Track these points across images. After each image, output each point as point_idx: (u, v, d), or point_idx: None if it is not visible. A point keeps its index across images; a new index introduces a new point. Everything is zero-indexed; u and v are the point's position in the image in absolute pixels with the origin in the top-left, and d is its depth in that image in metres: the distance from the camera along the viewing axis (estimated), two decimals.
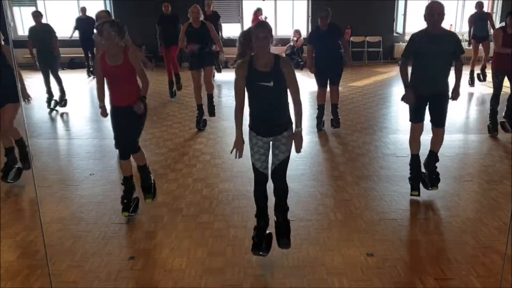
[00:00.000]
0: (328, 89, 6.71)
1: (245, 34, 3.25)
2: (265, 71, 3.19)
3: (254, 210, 3.57)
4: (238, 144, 3.41)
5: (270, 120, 3.31)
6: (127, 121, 4.14)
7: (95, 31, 12.94)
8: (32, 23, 8.27)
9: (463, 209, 4.38)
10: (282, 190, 3.45)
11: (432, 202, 4.51)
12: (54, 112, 8.38)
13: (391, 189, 4.80)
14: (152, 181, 4.52)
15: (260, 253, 3.51)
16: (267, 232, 3.63)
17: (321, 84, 6.68)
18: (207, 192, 4.84)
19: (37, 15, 8.19)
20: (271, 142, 3.39)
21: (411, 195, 4.55)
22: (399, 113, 7.84)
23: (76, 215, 4.35)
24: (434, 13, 4.10)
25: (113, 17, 12.60)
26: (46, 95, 8.33)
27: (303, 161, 5.51)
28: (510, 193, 4.65)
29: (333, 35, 6.49)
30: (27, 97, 5.04)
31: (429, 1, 4.22)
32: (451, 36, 4.31)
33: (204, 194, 4.77)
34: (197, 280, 3.33)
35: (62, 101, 8.44)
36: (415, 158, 4.60)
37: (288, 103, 3.34)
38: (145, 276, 3.41)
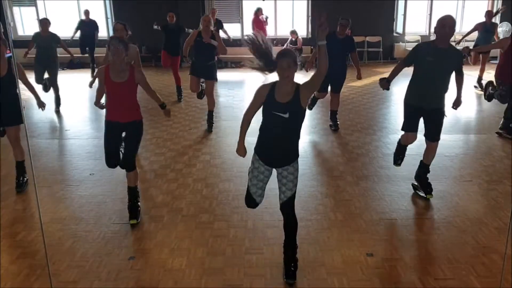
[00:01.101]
0: (329, 94, 6.87)
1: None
2: (282, 102, 3.07)
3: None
4: (240, 151, 3.36)
5: (277, 150, 3.21)
6: (125, 138, 4.12)
7: (96, 33, 12.85)
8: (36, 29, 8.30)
9: (463, 209, 4.38)
10: (291, 223, 3.34)
11: (432, 202, 4.51)
12: (53, 112, 8.36)
13: (391, 189, 4.81)
14: (139, 204, 4.30)
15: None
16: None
17: (322, 88, 6.77)
18: (207, 192, 4.84)
19: (45, 22, 8.21)
20: (275, 171, 3.30)
21: (395, 165, 4.92)
22: (399, 113, 7.79)
23: (76, 215, 4.35)
24: (446, 26, 4.09)
25: (112, 17, 12.65)
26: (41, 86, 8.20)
27: (303, 161, 5.50)
28: (510, 193, 4.66)
29: (346, 46, 6.58)
30: (42, 105, 5.21)
31: (442, 15, 4.18)
32: (456, 54, 4.29)
33: (204, 194, 4.77)
34: (197, 280, 3.33)
35: (58, 106, 8.46)
36: (402, 146, 4.83)
37: (299, 136, 3.23)
38: (145, 276, 3.41)
